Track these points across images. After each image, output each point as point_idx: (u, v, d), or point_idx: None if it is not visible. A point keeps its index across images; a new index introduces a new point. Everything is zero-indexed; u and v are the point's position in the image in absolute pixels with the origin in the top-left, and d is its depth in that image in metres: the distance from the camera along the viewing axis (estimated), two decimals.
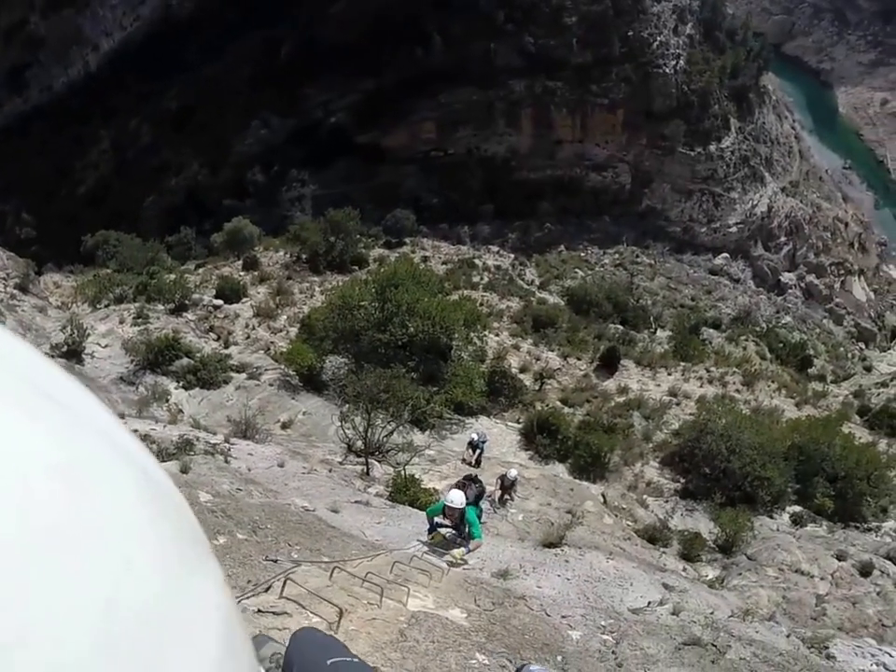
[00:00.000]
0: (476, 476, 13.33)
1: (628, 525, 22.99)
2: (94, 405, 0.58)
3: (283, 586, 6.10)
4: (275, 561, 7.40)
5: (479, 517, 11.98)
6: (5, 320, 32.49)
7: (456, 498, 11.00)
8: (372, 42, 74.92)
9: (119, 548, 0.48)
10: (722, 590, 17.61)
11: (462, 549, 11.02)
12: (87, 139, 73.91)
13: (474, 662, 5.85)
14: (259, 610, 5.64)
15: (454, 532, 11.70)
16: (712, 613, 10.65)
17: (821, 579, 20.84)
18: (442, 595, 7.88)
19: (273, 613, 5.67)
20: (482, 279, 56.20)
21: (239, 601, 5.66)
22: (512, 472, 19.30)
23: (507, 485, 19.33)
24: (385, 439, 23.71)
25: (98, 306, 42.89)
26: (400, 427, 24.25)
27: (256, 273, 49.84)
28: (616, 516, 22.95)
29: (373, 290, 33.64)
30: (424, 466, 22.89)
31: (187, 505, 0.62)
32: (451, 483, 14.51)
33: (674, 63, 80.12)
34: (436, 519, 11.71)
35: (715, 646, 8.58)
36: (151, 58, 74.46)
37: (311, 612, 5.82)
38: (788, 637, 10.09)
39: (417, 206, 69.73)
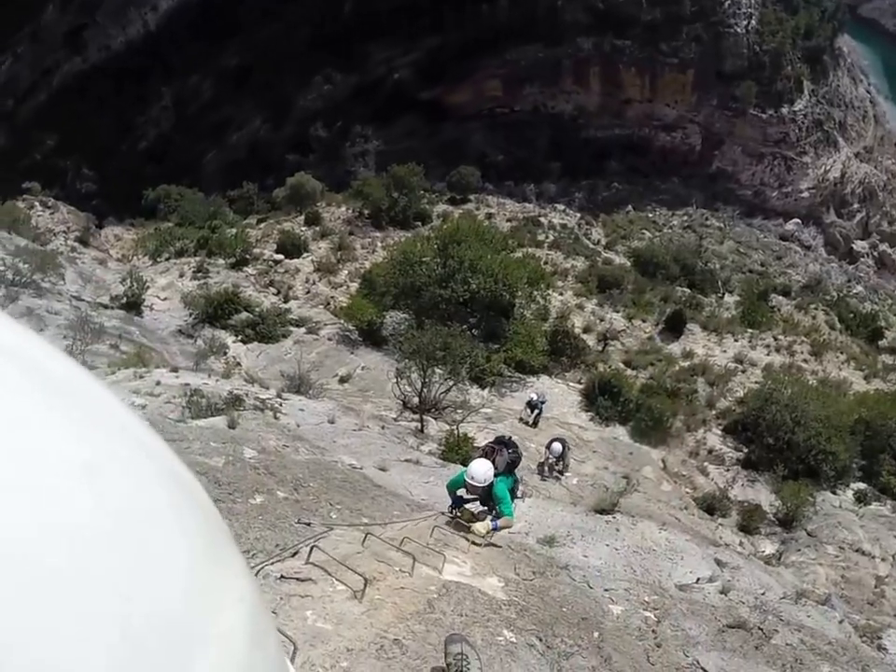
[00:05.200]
0: (510, 439, 10.26)
1: (687, 493, 22.55)
2: (114, 402, 0.57)
3: (310, 552, 5.83)
4: (308, 524, 7.12)
5: (513, 490, 9.57)
6: (65, 272, 32.95)
7: (478, 473, 8.67)
8: None
9: (142, 544, 0.48)
10: (779, 566, 17.11)
11: (487, 522, 8.86)
12: (147, 96, 74.48)
13: (500, 639, 5.55)
14: (283, 576, 5.42)
15: (481, 508, 9.50)
16: (763, 594, 10.20)
17: (882, 560, 20.32)
18: (482, 561, 7.53)
19: (297, 580, 5.43)
20: (547, 237, 55.42)
21: (264, 566, 5.48)
22: (556, 447, 18.43)
23: (553, 461, 18.80)
24: (441, 396, 23.49)
25: (158, 259, 43.34)
26: (458, 385, 23.98)
27: (317, 229, 49.87)
28: (675, 483, 22.53)
29: (436, 246, 33.45)
30: (480, 424, 22.63)
31: (207, 496, 0.62)
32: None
33: (745, 22, 77.86)
34: (458, 493, 9.38)
35: (761, 629, 8.16)
36: (209, 18, 74.41)
37: (336, 580, 5.56)
38: (841, 623, 9.67)
39: (483, 163, 69.22)
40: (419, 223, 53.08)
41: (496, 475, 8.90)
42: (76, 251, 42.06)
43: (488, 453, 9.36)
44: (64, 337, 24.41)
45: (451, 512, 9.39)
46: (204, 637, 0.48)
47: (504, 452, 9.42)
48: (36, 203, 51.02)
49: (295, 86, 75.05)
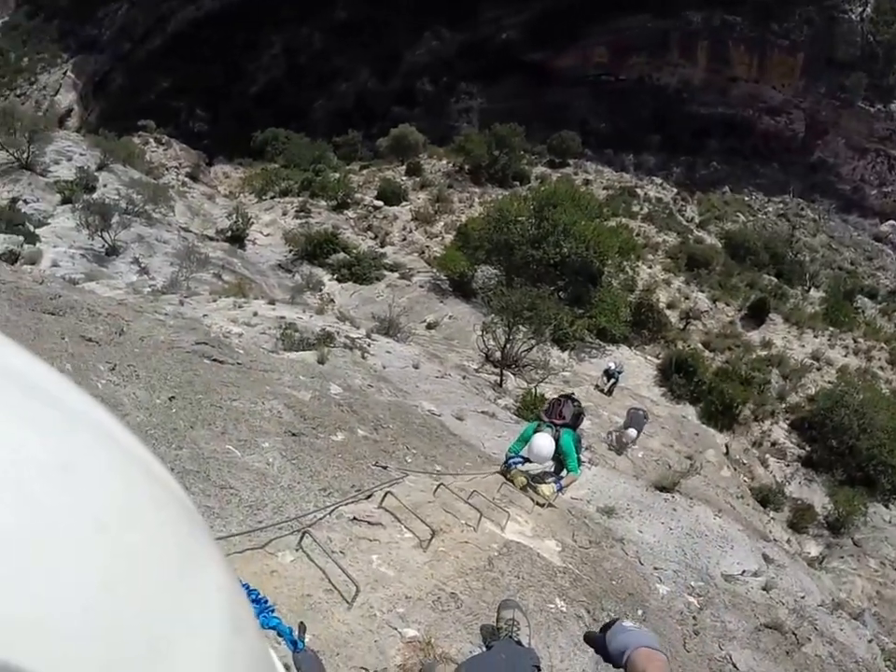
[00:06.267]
0: (572, 394, 9.94)
1: (745, 481, 22.49)
2: (90, 403, 0.57)
3: (383, 497, 6.18)
4: (385, 468, 7.45)
5: (577, 445, 9.12)
6: (175, 204, 34.21)
7: (543, 450, 8.43)
8: None
9: (120, 538, 0.47)
10: (820, 570, 17.04)
11: (552, 485, 8.69)
12: (259, 44, 75.76)
13: (552, 606, 5.77)
14: (355, 518, 5.63)
15: (547, 469, 9.25)
16: (803, 598, 10.19)
17: None
18: (543, 523, 7.64)
19: (368, 523, 5.69)
20: (641, 209, 55.37)
21: (338, 506, 5.80)
22: (632, 432, 18.46)
23: (619, 434, 18.85)
24: (523, 353, 23.95)
25: (263, 198, 44.91)
26: (540, 345, 24.37)
27: (418, 179, 50.85)
28: (735, 469, 22.45)
29: (532, 207, 33.89)
30: (557, 385, 22.94)
31: (184, 493, 0.65)
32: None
33: (861, 10, 74.51)
34: (520, 455, 8.95)
35: (795, 635, 8.17)
36: None
37: (405, 527, 5.79)
38: (870, 642, 9.65)
39: (584, 129, 69.23)
40: (517, 183, 53.55)
41: (563, 425, 8.84)
42: (186, 186, 43.86)
43: (554, 405, 9.30)
44: (171, 264, 25.60)
45: (504, 471, 8.97)
46: (185, 628, 0.50)
47: (569, 403, 9.29)
48: (151, 140, 53.34)
49: (404, 40, 75.39)
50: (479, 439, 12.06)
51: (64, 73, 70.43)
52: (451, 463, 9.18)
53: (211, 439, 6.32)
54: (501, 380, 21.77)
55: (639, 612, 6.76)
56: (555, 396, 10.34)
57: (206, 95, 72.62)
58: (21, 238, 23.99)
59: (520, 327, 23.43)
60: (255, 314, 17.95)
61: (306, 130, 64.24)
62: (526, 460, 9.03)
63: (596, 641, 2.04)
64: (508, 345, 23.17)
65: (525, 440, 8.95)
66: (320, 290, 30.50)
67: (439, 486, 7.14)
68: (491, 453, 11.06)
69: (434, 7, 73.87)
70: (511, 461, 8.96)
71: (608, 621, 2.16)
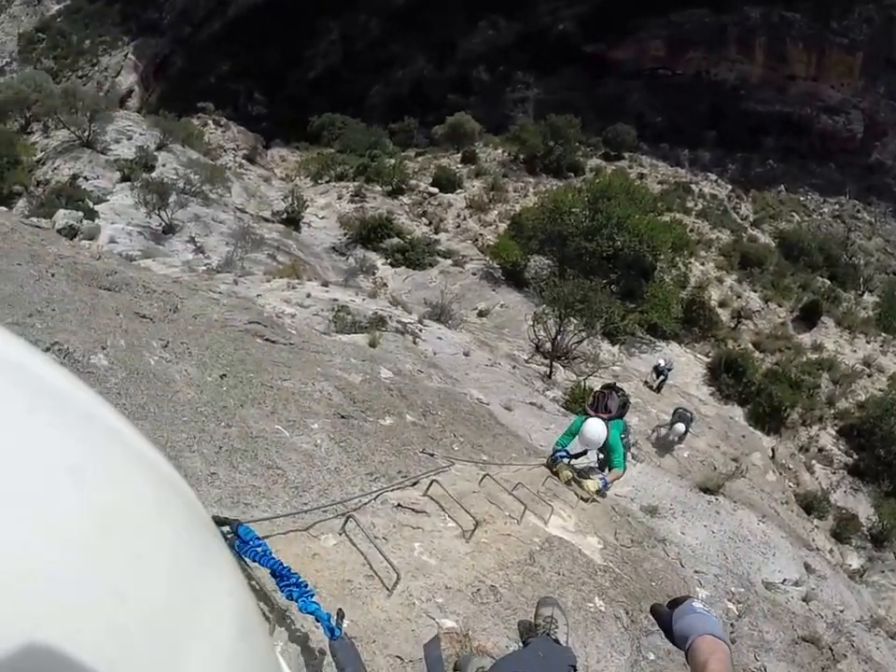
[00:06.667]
0: (615, 384, 9.92)
1: (790, 487, 22.04)
2: (98, 402, 0.56)
3: (429, 485, 6.07)
4: (431, 455, 7.40)
5: (624, 437, 9.20)
6: (232, 185, 34.58)
7: (595, 435, 8.51)
8: None
9: (129, 543, 0.47)
10: (861, 584, 16.70)
11: (598, 480, 8.62)
12: (317, 30, 76.34)
13: (591, 605, 5.65)
14: (400, 505, 5.61)
15: (593, 464, 9.36)
16: (842, 611, 9.97)
17: None
18: (586, 519, 7.50)
19: (413, 510, 5.61)
20: (695, 205, 55.05)
21: (383, 492, 5.73)
22: (679, 427, 17.99)
23: (672, 439, 18.47)
24: (573, 346, 23.83)
25: (319, 181, 45.38)
26: (591, 338, 24.22)
27: (473, 167, 51.04)
28: (780, 474, 21.99)
29: (586, 199, 33.80)
30: (605, 379, 22.65)
31: (195, 496, 0.64)
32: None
33: None
34: (566, 449, 8.88)
35: (832, 651, 7.97)
36: None
37: (449, 516, 5.76)
38: None
39: (639, 122, 68.88)
40: (572, 174, 53.57)
41: (610, 418, 8.81)
42: (243, 167, 44.44)
43: (599, 398, 9.20)
44: (227, 244, 25.90)
45: (550, 464, 8.91)
46: (193, 632, 0.49)
47: (614, 395, 9.23)
48: (210, 122, 54.24)
49: (460, 29, 75.50)
50: (526, 430, 12.05)
51: (125, 55, 71.63)
52: (497, 453, 9.07)
53: (260, 418, 6.33)
54: (551, 371, 21.66)
55: None
56: (598, 388, 10.02)
57: (265, 80, 73.56)
58: (81, 214, 24.46)
59: (571, 318, 23.34)
60: (308, 295, 18.10)
61: (362, 116, 64.99)
62: (572, 456, 9.01)
63: (662, 617, 2.00)
64: (558, 337, 23.07)
65: (572, 433, 8.94)
66: (373, 274, 30.78)
67: (484, 476, 7.08)
68: (538, 445, 11.02)
69: None
70: (558, 454, 8.88)
71: (677, 597, 2.05)
